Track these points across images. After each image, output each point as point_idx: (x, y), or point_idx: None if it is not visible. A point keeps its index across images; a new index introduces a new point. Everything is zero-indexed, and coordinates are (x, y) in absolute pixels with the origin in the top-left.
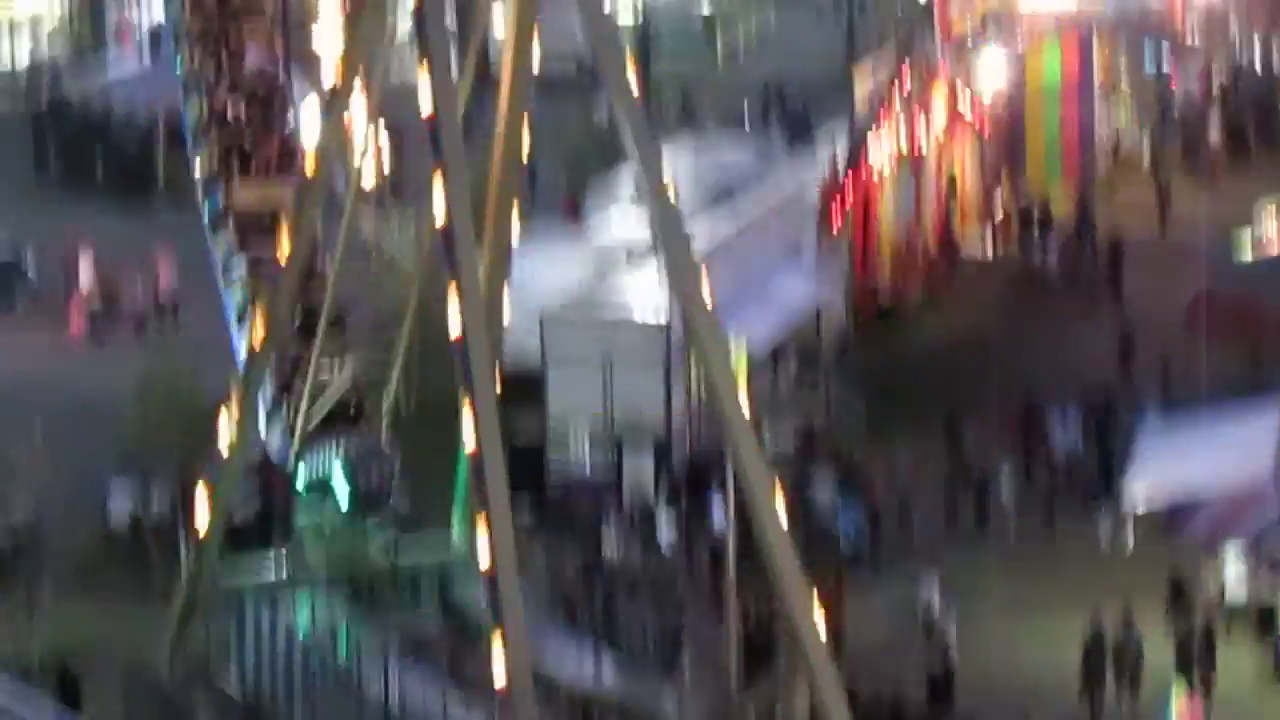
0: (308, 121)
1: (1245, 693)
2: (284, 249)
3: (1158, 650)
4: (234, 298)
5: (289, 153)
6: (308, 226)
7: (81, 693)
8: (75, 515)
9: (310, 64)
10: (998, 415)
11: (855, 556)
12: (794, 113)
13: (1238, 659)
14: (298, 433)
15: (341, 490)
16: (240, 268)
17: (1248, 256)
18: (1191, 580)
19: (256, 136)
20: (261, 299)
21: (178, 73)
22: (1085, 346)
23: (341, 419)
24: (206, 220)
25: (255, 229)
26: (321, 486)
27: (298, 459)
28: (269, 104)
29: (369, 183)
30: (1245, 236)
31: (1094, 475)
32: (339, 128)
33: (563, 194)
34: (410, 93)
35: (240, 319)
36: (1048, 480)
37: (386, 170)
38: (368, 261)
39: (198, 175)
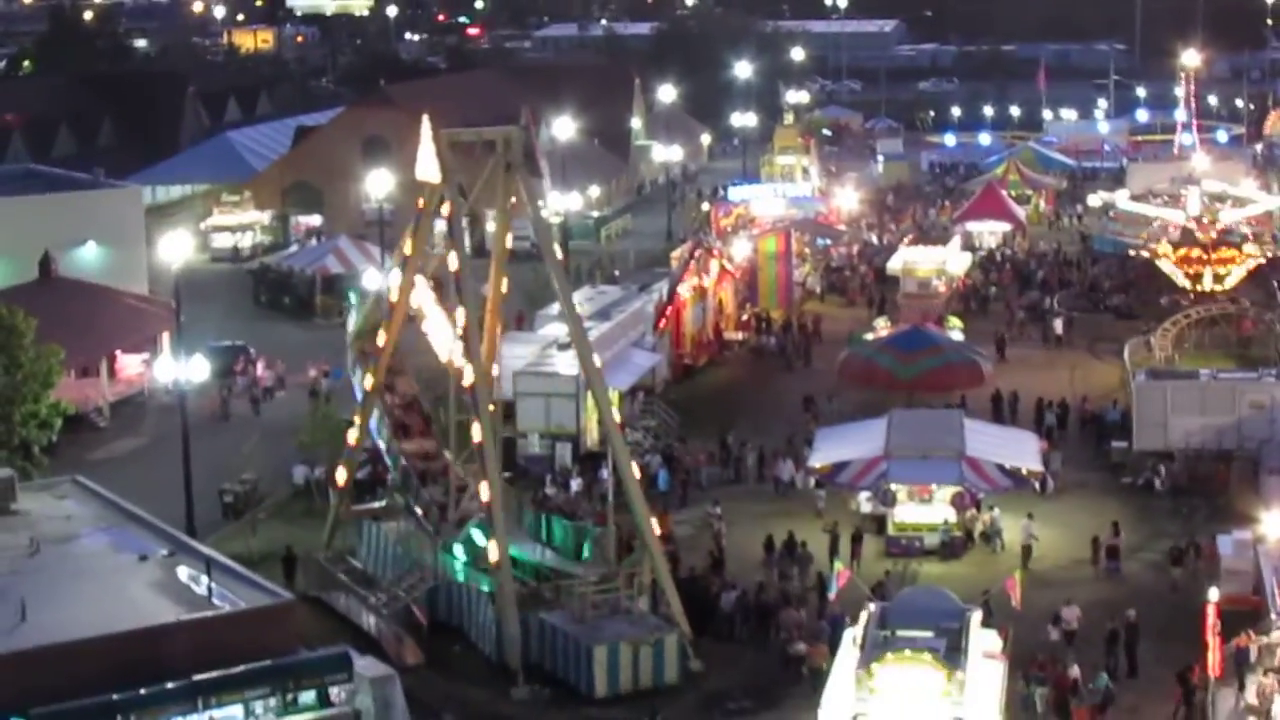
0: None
1: (870, 564)
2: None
3: (821, 546)
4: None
5: None
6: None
7: (296, 566)
8: (277, 480)
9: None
10: (747, 425)
11: (666, 493)
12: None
13: (868, 546)
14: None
15: None
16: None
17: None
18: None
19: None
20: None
21: None
22: (788, 390)
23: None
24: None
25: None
26: None
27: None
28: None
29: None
30: (864, 334)
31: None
32: (409, 282)
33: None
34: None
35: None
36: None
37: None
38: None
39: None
